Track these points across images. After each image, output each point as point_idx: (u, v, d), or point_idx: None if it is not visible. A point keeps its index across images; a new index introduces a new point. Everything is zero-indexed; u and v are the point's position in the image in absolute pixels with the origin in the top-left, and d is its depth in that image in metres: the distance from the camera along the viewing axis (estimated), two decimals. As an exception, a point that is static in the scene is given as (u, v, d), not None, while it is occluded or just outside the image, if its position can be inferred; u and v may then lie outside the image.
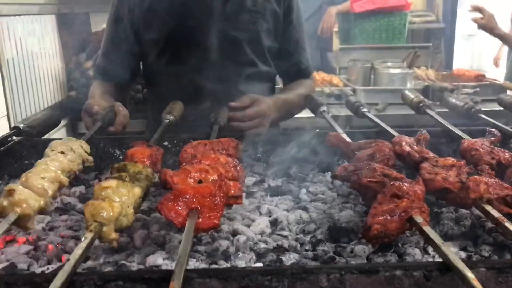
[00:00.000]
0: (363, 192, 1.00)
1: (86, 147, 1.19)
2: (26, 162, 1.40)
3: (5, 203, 0.84)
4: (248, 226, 1.05)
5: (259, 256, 0.94)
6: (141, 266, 0.90)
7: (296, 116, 2.61)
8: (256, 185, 1.30)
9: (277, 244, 0.97)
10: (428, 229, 0.79)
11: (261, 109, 1.62)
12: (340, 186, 1.30)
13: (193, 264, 0.91)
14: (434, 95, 2.71)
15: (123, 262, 0.91)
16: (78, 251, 0.73)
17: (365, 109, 1.58)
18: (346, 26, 4.52)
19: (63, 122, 2.56)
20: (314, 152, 1.39)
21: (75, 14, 2.97)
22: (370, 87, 3.23)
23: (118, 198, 0.88)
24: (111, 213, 0.83)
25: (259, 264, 0.91)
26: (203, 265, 0.90)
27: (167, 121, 1.46)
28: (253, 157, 1.45)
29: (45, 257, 0.94)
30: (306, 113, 2.14)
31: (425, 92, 2.77)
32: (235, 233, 1.01)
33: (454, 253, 0.75)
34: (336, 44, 4.54)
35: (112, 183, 0.92)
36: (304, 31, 1.96)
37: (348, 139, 1.28)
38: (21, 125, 1.40)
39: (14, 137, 1.39)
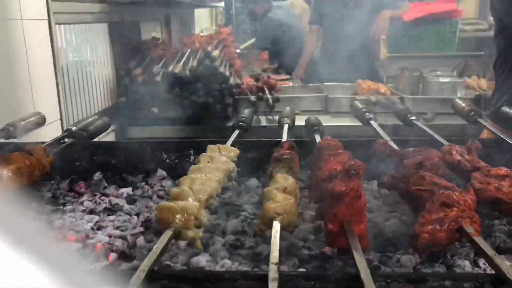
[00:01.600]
0: (410, 201, 0.97)
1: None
2: (77, 163, 1.45)
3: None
4: (291, 232, 1.04)
5: (302, 262, 0.93)
6: (185, 268, 0.91)
7: (342, 124, 2.60)
8: (300, 191, 1.29)
9: (320, 251, 0.96)
10: (479, 240, 0.76)
11: None
12: (386, 195, 1.27)
13: (235, 267, 0.91)
14: (486, 105, 2.62)
15: (167, 262, 0.92)
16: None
17: (413, 117, 1.54)
18: (393, 34, 4.44)
19: (112, 127, 2.64)
20: (359, 159, 1.37)
21: (126, 23, 3.06)
22: (418, 96, 3.16)
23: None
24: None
25: (302, 270, 0.90)
26: (245, 269, 0.90)
27: (286, 124, 1.48)
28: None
29: (93, 255, 0.97)
30: (352, 121, 2.12)
31: (476, 102, 2.68)
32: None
33: (508, 265, 0.71)
34: (383, 52, 4.47)
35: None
36: None
37: (395, 147, 1.25)
38: (73, 128, 1.45)
39: (67, 139, 1.44)
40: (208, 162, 1.08)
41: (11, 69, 1.84)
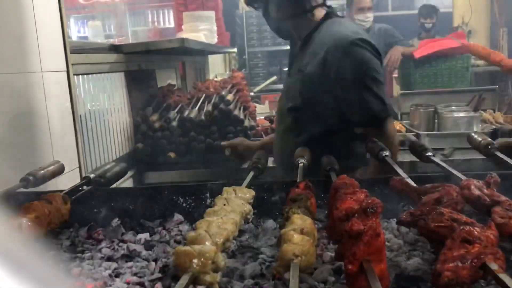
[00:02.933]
0: (430, 238, 0.96)
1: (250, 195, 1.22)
2: (95, 210, 1.46)
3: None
4: (311, 274, 1.02)
5: (323, 305, 0.91)
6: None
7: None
8: (318, 232, 1.28)
9: (341, 293, 0.94)
10: (504, 277, 0.73)
11: None
12: (407, 233, 1.25)
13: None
14: (503, 138, 2.59)
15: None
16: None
17: (429, 153, 1.53)
18: (406, 72, 4.47)
19: (130, 173, 2.66)
20: (378, 198, 1.36)
21: (142, 71, 3.14)
22: (434, 132, 3.14)
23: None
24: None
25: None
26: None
27: (302, 164, 1.47)
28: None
29: (112, 302, 0.96)
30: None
31: (493, 136, 2.66)
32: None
33: (535, 303, 0.69)
34: (396, 89, 4.49)
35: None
36: None
37: (413, 184, 1.24)
38: (91, 175, 1.47)
39: (85, 187, 1.46)
40: (224, 204, 1.08)
41: (31, 119, 1.89)
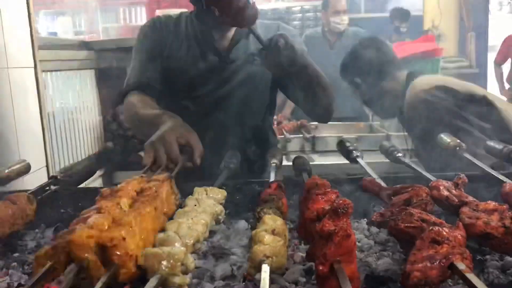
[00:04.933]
0: (400, 239, 0.97)
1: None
2: (62, 211, 1.42)
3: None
4: (282, 274, 1.02)
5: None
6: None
7: (329, 162, 2.61)
8: (290, 232, 1.28)
9: (311, 294, 0.94)
10: (471, 277, 0.74)
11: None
12: (377, 233, 1.26)
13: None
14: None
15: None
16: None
17: (400, 154, 1.55)
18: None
19: (99, 172, 2.62)
20: (348, 198, 1.36)
21: (113, 69, 3.10)
22: (404, 133, 3.19)
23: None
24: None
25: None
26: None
27: (274, 164, 1.47)
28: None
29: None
30: (340, 160, 2.13)
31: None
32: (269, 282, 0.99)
33: (501, 302, 0.70)
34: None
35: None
36: None
37: (384, 184, 1.25)
38: (59, 175, 1.44)
39: (52, 186, 1.42)
40: (195, 205, 1.07)
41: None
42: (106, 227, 0.85)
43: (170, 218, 1.05)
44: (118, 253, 0.80)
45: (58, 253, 0.79)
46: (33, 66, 2.10)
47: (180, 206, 1.11)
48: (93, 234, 0.81)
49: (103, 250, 0.80)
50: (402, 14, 5.52)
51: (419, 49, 4.48)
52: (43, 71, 2.21)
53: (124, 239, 0.81)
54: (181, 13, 2.01)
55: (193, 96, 1.90)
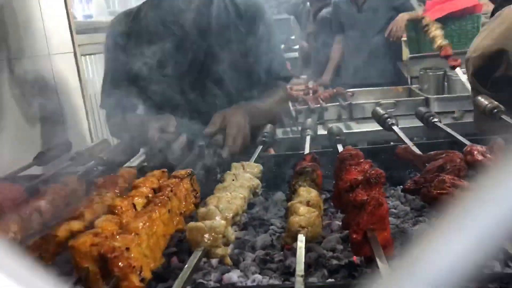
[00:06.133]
0: (434, 205, 0.98)
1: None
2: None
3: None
4: (319, 243, 1.06)
5: (331, 272, 0.94)
6: (218, 285, 0.94)
7: (367, 129, 2.60)
8: (326, 202, 1.31)
9: (348, 261, 0.98)
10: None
11: (238, 124, 1.57)
12: (413, 199, 1.28)
13: (266, 281, 0.93)
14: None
15: (200, 280, 0.95)
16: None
17: (435, 119, 1.54)
18: (414, 35, 4.41)
19: (142, 150, 2.71)
20: (384, 166, 1.38)
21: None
22: (443, 96, 3.12)
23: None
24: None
25: (331, 280, 0.91)
26: (275, 282, 0.92)
27: (309, 136, 1.50)
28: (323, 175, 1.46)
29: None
30: (374, 126, 2.12)
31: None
32: (307, 250, 1.03)
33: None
34: (406, 53, 4.44)
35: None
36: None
37: (418, 152, 1.26)
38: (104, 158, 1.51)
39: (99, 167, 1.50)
40: (233, 180, 1.12)
41: (43, 101, 1.93)
42: (112, 233, 0.85)
43: (189, 217, 1.08)
44: (121, 264, 0.75)
45: (47, 244, 0.84)
46: (72, 51, 2.18)
47: (220, 181, 1.16)
48: (97, 242, 0.81)
49: (105, 260, 0.76)
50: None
51: (458, 6, 4.30)
52: (82, 55, 2.28)
53: (127, 249, 0.77)
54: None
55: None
